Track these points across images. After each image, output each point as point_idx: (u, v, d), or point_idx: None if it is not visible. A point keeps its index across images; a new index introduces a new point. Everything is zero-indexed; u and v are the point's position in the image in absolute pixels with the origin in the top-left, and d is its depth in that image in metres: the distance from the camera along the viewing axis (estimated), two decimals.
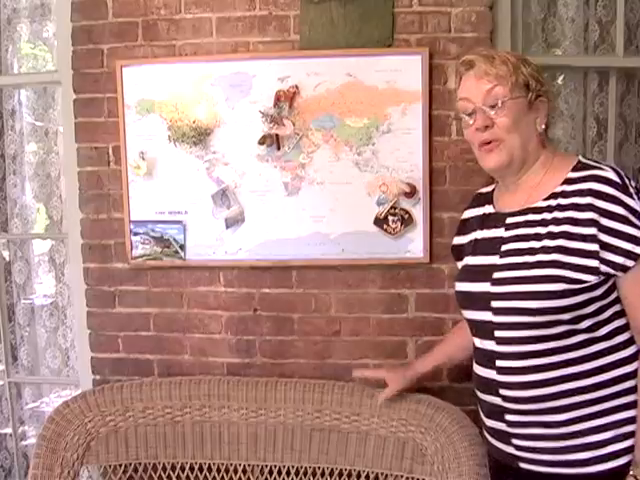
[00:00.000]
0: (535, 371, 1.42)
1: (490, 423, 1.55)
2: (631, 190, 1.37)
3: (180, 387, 2.16)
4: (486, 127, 1.45)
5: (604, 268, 1.36)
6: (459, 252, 1.69)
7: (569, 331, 1.40)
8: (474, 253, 1.59)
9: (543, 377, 1.42)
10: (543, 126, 1.48)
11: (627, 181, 1.38)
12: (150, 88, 2.19)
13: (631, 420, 1.41)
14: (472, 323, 1.56)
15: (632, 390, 1.41)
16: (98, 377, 2.33)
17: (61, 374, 2.60)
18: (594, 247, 1.35)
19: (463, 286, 1.58)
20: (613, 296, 1.42)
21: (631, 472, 1.39)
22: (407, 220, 2.14)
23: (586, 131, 2.35)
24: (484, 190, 1.68)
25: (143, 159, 2.21)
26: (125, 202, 2.24)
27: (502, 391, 1.47)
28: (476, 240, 1.59)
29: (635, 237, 1.35)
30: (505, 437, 1.51)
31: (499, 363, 1.47)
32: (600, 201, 1.36)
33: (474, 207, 1.68)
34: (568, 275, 1.36)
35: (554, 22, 2.32)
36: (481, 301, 1.49)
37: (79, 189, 2.28)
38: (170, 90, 2.19)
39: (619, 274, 1.37)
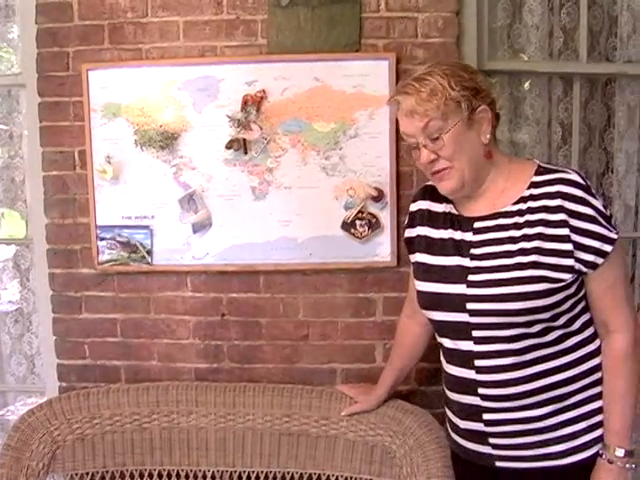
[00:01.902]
0: (514, 369, 1.46)
1: (465, 424, 1.57)
2: (593, 191, 1.44)
3: (148, 393, 2.14)
4: (432, 160, 1.46)
5: (578, 266, 1.42)
6: (410, 245, 1.68)
7: (547, 328, 1.45)
8: (433, 253, 1.58)
9: (522, 374, 1.46)
10: (488, 136, 1.46)
11: (588, 182, 1.44)
12: (116, 92, 2.17)
13: (598, 411, 1.49)
14: (441, 324, 1.57)
15: (598, 382, 1.50)
16: (64, 384, 2.29)
17: (26, 381, 2.56)
18: (569, 247, 1.41)
19: (430, 287, 1.57)
20: (582, 292, 1.49)
21: (603, 456, 1.47)
22: (374, 224, 2.15)
23: (551, 135, 2.38)
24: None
25: (109, 163, 2.18)
26: (91, 207, 2.21)
27: (481, 390, 1.49)
28: (432, 239, 1.59)
29: (603, 235, 1.41)
30: (482, 437, 1.54)
31: (478, 362, 1.49)
32: (569, 203, 1.41)
33: (425, 200, 1.65)
34: (549, 275, 1.41)
35: (519, 28, 2.35)
36: (454, 303, 1.50)
37: (44, 193, 2.25)
38: (137, 94, 2.17)
39: (589, 272, 1.43)
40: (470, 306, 1.47)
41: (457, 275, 1.51)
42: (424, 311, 1.61)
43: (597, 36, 2.37)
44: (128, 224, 2.21)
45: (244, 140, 2.14)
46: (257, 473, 2.10)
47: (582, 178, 1.43)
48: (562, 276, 1.41)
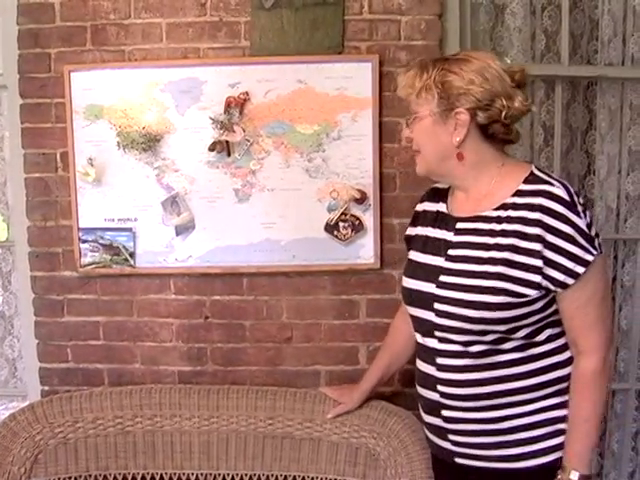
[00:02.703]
0: (471, 370, 1.47)
1: (428, 419, 1.60)
2: (579, 208, 1.40)
3: (131, 396, 2.12)
4: (410, 140, 1.55)
5: (545, 283, 1.40)
6: (408, 243, 1.71)
7: (502, 338, 1.44)
8: (423, 251, 1.60)
9: (479, 376, 1.46)
10: (458, 139, 1.45)
11: (575, 198, 1.40)
12: (99, 93, 2.16)
13: (560, 419, 1.47)
14: (415, 319, 1.60)
15: (562, 392, 1.48)
16: (46, 388, 2.28)
17: (8, 385, 2.53)
18: (538, 263, 1.38)
19: (410, 283, 1.60)
20: (552, 309, 1.45)
21: (559, 476, 1.45)
22: (358, 226, 2.15)
23: (533, 138, 2.40)
24: (440, 186, 1.68)
25: (92, 165, 2.17)
26: (73, 209, 2.20)
27: (440, 387, 1.51)
28: (426, 237, 1.61)
29: (577, 256, 1.38)
30: (442, 433, 1.56)
31: (439, 360, 1.51)
32: (548, 218, 1.38)
33: (427, 201, 1.69)
34: (511, 288, 1.40)
35: (502, 31, 2.36)
36: (425, 301, 1.53)
37: (26, 196, 2.23)
38: (119, 96, 2.16)
39: (559, 290, 1.40)
40: (436, 306, 1.49)
41: (432, 274, 1.52)
42: (404, 305, 1.65)
43: (578, 39, 2.40)
44: (111, 226, 2.20)
45: (227, 142, 2.14)
46: (241, 476, 2.10)
47: (569, 193, 1.39)
48: (526, 291, 1.40)
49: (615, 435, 2.57)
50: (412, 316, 1.60)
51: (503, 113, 1.43)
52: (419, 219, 1.68)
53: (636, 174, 2.46)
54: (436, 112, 1.45)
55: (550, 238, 1.37)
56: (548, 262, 1.38)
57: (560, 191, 1.39)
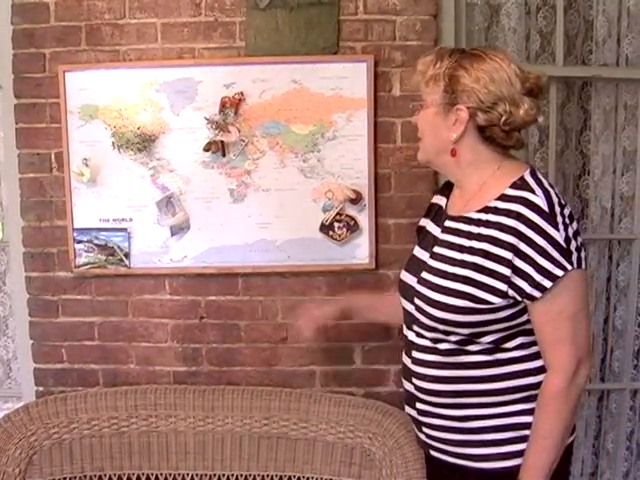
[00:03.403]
0: (439, 367, 1.47)
1: (407, 409, 1.61)
2: (558, 219, 1.35)
3: (126, 397, 2.13)
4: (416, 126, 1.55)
5: (512, 292, 1.36)
6: (418, 233, 1.70)
7: (465, 340, 1.44)
8: (420, 244, 1.62)
9: (448, 374, 1.47)
10: (455, 135, 1.43)
11: (557, 209, 1.36)
12: (93, 93, 2.16)
13: (525, 425, 1.44)
14: (403, 310, 1.61)
15: (531, 398, 1.44)
16: (41, 388, 2.28)
17: (3, 386, 2.52)
18: (507, 271, 1.35)
19: (403, 275, 1.62)
20: (522, 319, 1.41)
21: None
22: (353, 226, 2.15)
23: (528, 138, 2.39)
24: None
25: (86, 165, 2.16)
26: (68, 209, 2.19)
27: (414, 380, 1.53)
28: (426, 231, 1.62)
29: (546, 270, 1.33)
30: (417, 424, 1.58)
31: (414, 354, 1.53)
32: (524, 227, 1.34)
33: (440, 194, 1.66)
34: (475, 293, 1.38)
35: (497, 31, 2.36)
36: (409, 294, 1.54)
37: (20, 196, 2.22)
38: (114, 96, 2.15)
39: (526, 301, 1.37)
40: (416, 301, 1.50)
41: (418, 268, 1.54)
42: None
43: (573, 40, 2.40)
44: (105, 227, 2.20)
45: (222, 142, 2.13)
46: (236, 476, 2.10)
47: (549, 204, 1.35)
48: (490, 298, 1.37)
49: (610, 434, 2.57)
50: (402, 307, 1.61)
51: (503, 118, 1.38)
52: (431, 211, 1.67)
53: (630, 174, 2.46)
54: (439, 104, 1.43)
55: (523, 247, 1.34)
56: (516, 271, 1.35)
57: (539, 200, 1.35)
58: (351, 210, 2.16)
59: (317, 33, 2.12)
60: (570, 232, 1.36)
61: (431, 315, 1.44)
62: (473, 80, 1.39)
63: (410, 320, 1.54)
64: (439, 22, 2.16)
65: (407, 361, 1.55)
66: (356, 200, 2.14)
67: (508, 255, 1.35)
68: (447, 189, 1.63)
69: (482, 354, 1.43)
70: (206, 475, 2.11)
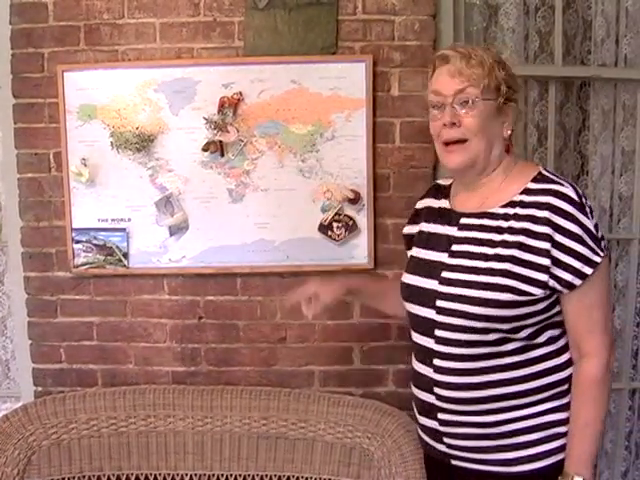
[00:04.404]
0: (470, 374, 1.44)
1: (423, 421, 1.57)
2: (587, 209, 1.39)
3: (124, 397, 2.13)
4: (453, 124, 1.44)
5: (552, 283, 1.38)
6: (408, 242, 1.69)
7: (504, 339, 1.42)
8: (425, 247, 1.58)
9: (477, 380, 1.43)
10: (509, 132, 1.47)
11: (584, 200, 1.40)
12: (92, 93, 2.16)
13: (556, 423, 1.45)
14: (413, 317, 1.56)
15: (562, 394, 1.45)
16: (40, 389, 2.28)
17: (1, 386, 2.52)
18: (546, 262, 1.37)
19: (410, 279, 1.58)
20: (554, 310, 1.43)
21: (559, 477, 1.43)
22: (351, 226, 2.15)
23: (527, 138, 2.40)
24: (442, 182, 1.67)
25: (85, 165, 2.17)
26: (67, 209, 2.19)
27: (437, 390, 1.48)
28: (428, 233, 1.59)
29: (585, 257, 1.36)
30: (437, 435, 1.53)
31: (436, 362, 1.47)
32: (557, 217, 1.36)
33: (429, 197, 1.67)
34: (517, 286, 1.38)
35: (495, 32, 2.36)
36: (426, 298, 1.50)
37: (19, 196, 2.22)
38: (113, 96, 2.16)
39: (565, 291, 1.39)
40: (438, 303, 1.46)
41: (434, 270, 1.50)
42: (403, 303, 1.61)
43: (572, 40, 2.40)
44: (104, 227, 2.20)
45: (221, 142, 2.13)
46: (235, 476, 2.10)
47: (578, 194, 1.39)
48: (532, 290, 1.38)
49: (609, 434, 2.57)
50: (410, 313, 1.58)
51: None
52: (421, 216, 1.66)
53: (629, 174, 2.46)
54: (499, 101, 1.44)
55: (559, 238, 1.36)
56: (556, 262, 1.36)
57: (569, 191, 1.38)
58: (350, 210, 2.15)
59: (316, 33, 2.12)
60: (595, 220, 1.41)
61: (466, 313, 1.41)
62: (511, 74, 1.46)
63: (428, 326, 1.49)
64: (438, 22, 2.17)
65: (426, 370, 1.50)
66: (355, 200, 2.14)
67: (545, 245, 1.36)
68: (439, 192, 1.63)
69: (514, 355, 1.42)
70: (205, 475, 2.11)
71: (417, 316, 1.54)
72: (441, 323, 1.46)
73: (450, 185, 1.63)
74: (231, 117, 2.12)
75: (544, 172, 1.46)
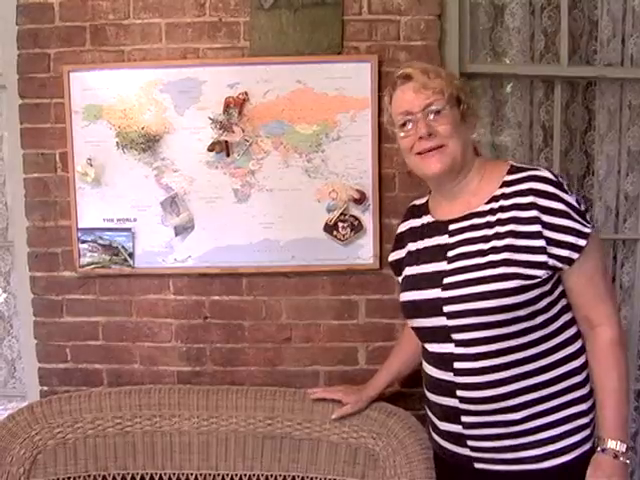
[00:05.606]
0: (492, 371, 1.45)
1: (444, 426, 1.57)
2: (565, 186, 1.45)
3: (130, 397, 2.12)
4: (430, 134, 1.48)
5: (552, 262, 1.42)
6: (398, 267, 1.70)
7: (525, 329, 1.44)
8: (417, 263, 1.60)
9: (500, 377, 1.45)
10: (474, 135, 1.54)
11: (560, 179, 1.46)
12: (98, 94, 2.16)
13: (578, 415, 1.47)
14: (423, 330, 1.57)
15: (579, 385, 1.48)
16: (46, 388, 2.28)
17: (7, 386, 2.53)
18: (541, 243, 1.41)
19: (410, 295, 1.59)
20: (558, 291, 1.48)
21: (598, 448, 1.45)
22: (357, 226, 2.15)
23: (533, 138, 2.40)
24: (417, 202, 1.72)
25: (91, 165, 2.17)
26: (72, 209, 2.20)
27: (459, 392, 1.49)
28: (417, 250, 1.62)
29: (577, 230, 1.41)
30: (460, 439, 1.53)
31: (457, 365, 1.49)
32: (542, 199, 1.42)
33: (409, 219, 1.71)
34: (521, 272, 1.41)
35: (501, 31, 2.36)
36: (432, 308, 1.51)
37: (25, 196, 2.23)
38: (118, 96, 2.16)
39: (565, 267, 1.43)
40: (446, 309, 1.48)
41: (434, 280, 1.52)
42: (407, 320, 1.64)
43: (578, 39, 2.40)
44: (110, 227, 2.20)
45: (226, 142, 2.14)
46: (240, 476, 2.09)
47: (553, 175, 1.45)
48: (535, 272, 1.41)
49: None
50: (418, 328, 1.59)
51: None
52: (404, 239, 1.70)
53: (635, 174, 2.46)
54: (462, 109, 1.52)
55: (546, 218, 1.41)
56: (550, 241, 1.41)
57: (546, 173, 1.46)
58: (355, 210, 2.15)
59: (321, 33, 2.12)
60: (575, 195, 1.46)
61: (481, 309, 1.43)
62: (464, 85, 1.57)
63: (444, 333, 1.50)
64: (443, 22, 2.16)
65: (445, 376, 1.51)
66: (360, 200, 2.14)
67: (536, 228, 1.42)
68: (418, 211, 1.69)
69: (532, 346, 1.44)
70: (210, 475, 2.10)
71: (427, 328, 1.55)
72: (455, 326, 1.47)
73: (426, 202, 1.67)
74: (236, 117, 2.12)
75: (516, 164, 1.52)
